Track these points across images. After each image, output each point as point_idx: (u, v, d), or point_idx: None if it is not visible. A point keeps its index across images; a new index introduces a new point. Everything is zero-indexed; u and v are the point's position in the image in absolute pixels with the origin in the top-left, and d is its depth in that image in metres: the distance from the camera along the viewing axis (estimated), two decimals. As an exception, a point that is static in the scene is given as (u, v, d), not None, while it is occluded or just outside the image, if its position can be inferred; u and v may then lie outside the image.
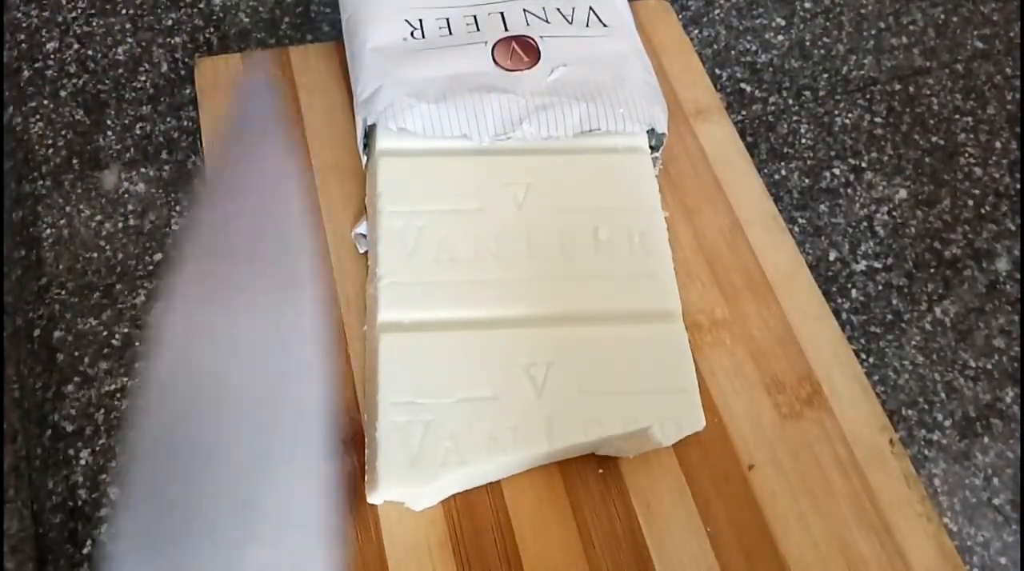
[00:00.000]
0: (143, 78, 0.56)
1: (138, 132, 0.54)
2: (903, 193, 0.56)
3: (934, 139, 0.59)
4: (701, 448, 0.39)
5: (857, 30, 0.64)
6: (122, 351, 0.46)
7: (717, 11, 0.63)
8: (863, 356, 0.49)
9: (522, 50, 0.46)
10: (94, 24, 0.59)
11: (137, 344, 0.47)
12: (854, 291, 0.51)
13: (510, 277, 0.40)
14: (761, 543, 0.37)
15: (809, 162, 0.57)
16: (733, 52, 0.62)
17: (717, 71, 0.60)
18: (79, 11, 0.59)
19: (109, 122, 0.54)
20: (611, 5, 0.50)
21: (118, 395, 0.45)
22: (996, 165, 0.58)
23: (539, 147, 0.44)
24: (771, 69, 0.61)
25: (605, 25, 0.48)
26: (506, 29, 0.47)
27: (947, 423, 0.47)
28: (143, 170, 0.53)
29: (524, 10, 0.47)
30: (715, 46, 0.62)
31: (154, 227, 0.51)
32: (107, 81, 0.56)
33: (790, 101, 0.59)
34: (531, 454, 0.37)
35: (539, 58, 0.46)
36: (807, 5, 0.65)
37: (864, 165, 0.57)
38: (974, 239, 0.54)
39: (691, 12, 0.63)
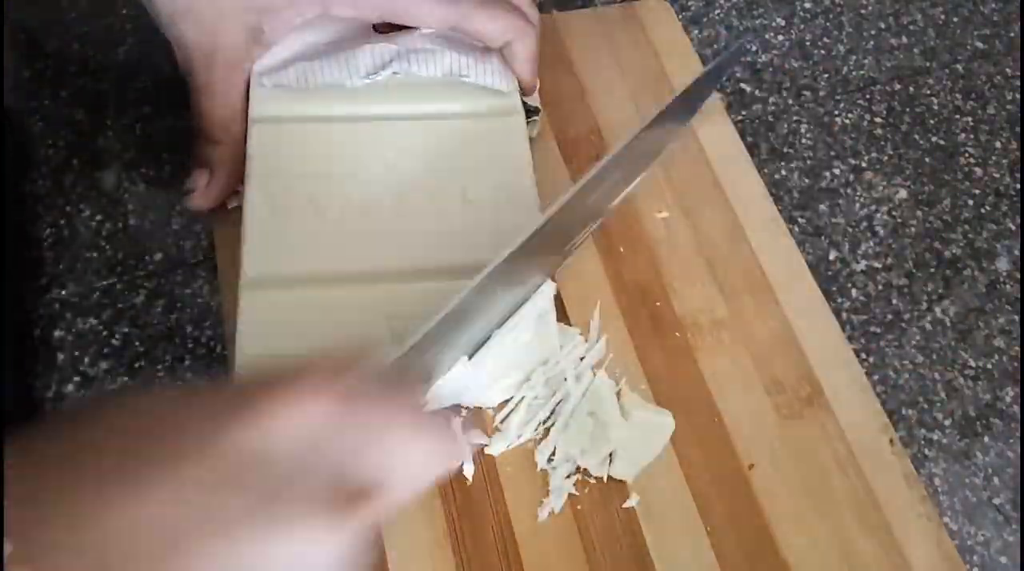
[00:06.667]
0: (143, 78, 0.56)
1: (138, 132, 0.54)
2: (903, 193, 0.56)
3: (934, 139, 0.59)
4: (701, 448, 0.39)
5: (857, 30, 0.64)
6: (122, 351, 0.46)
7: (717, 11, 0.63)
8: (863, 356, 0.49)
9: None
10: (94, 24, 0.59)
11: (137, 344, 0.47)
12: (854, 291, 0.51)
13: (375, 231, 0.40)
14: (761, 543, 0.37)
15: (809, 162, 0.57)
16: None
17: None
18: (79, 11, 0.59)
19: (109, 122, 0.54)
20: None
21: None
22: (996, 165, 0.58)
23: (410, 113, 0.44)
24: (771, 69, 0.61)
25: None
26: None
27: (947, 423, 0.47)
28: (143, 170, 0.53)
29: None
30: (715, 46, 0.62)
31: (154, 227, 0.51)
32: (107, 81, 0.56)
33: (790, 101, 0.59)
34: None
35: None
36: (807, 5, 0.65)
37: (864, 165, 0.57)
38: (974, 239, 0.54)
39: (691, 12, 0.63)
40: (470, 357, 0.37)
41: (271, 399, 0.22)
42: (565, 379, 0.39)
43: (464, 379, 0.37)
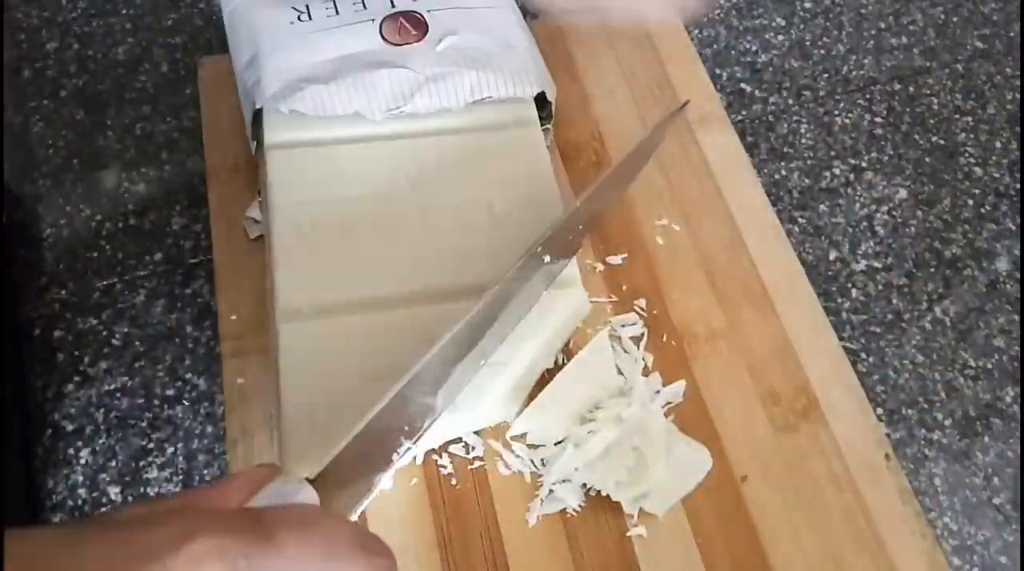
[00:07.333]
0: (143, 78, 0.56)
1: (138, 132, 0.54)
2: (903, 193, 0.56)
3: (934, 139, 0.59)
4: (697, 454, 0.39)
5: (857, 30, 0.64)
6: (122, 351, 0.46)
7: (717, 11, 0.63)
8: (863, 356, 0.49)
9: (410, 24, 0.46)
10: (94, 24, 0.59)
11: (137, 344, 0.47)
12: (854, 291, 0.51)
13: (407, 255, 0.40)
14: (751, 555, 0.37)
15: (809, 162, 0.57)
16: (733, 52, 0.62)
17: (717, 71, 0.60)
18: (79, 11, 0.59)
19: (109, 122, 0.54)
20: None
21: (118, 395, 0.45)
22: (996, 165, 0.58)
23: (429, 129, 0.44)
24: (771, 69, 0.61)
25: None
26: (393, 5, 0.47)
27: (947, 423, 0.47)
28: (143, 170, 0.53)
29: None
30: (715, 46, 0.62)
31: (154, 227, 0.51)
32: (107, 81, 0.56)
33: (790, 101, 0.59)
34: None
35: (427, 31, 0.46)
36: (807, 5, 0.65)
37: (864, 165, 0.57)
38: (974, 239, 0.54)
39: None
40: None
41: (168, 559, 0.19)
42: (633, 406, 0.38)
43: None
